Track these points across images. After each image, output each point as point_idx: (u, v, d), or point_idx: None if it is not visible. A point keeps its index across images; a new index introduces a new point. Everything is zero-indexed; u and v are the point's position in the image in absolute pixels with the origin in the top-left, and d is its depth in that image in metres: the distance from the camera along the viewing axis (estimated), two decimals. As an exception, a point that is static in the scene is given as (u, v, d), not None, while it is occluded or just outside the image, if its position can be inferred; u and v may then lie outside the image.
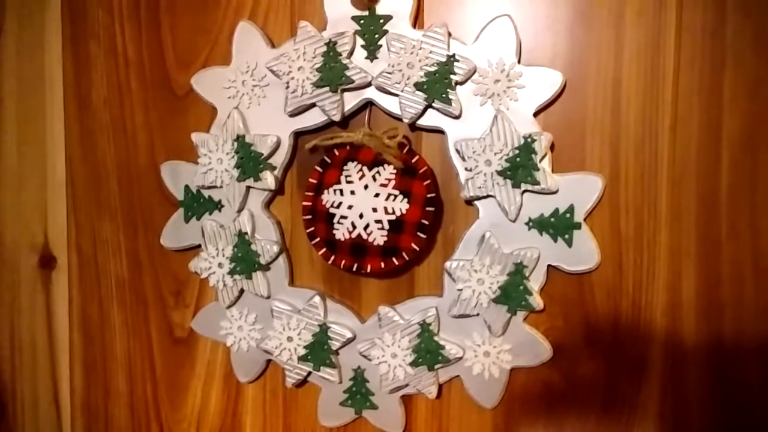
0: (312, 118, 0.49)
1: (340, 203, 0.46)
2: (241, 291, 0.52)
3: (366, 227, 0.46)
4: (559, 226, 0.44)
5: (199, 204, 0.53)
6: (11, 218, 0.62)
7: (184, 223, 0.54)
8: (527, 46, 0.45)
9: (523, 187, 0.44)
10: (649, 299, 0.45)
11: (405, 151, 0.47)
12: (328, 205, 0.47)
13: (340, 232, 0.46)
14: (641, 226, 0.44)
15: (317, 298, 0.50)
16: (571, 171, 0.45)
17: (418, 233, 0.45)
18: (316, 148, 0.48)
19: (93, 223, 0.59)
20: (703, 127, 0.43)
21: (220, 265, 0.52)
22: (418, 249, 0.46)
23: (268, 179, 0.50)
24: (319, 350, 0.50)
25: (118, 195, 0.58)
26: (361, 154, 0.47)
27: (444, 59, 0.45)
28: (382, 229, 0.45)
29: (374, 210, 0.45)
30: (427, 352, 0.47)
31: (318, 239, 0.48)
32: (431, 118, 0.46)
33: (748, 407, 0.44)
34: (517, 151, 0.44)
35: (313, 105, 0.48)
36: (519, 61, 0.44)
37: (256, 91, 0.50)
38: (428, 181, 0.46)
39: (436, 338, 0.47)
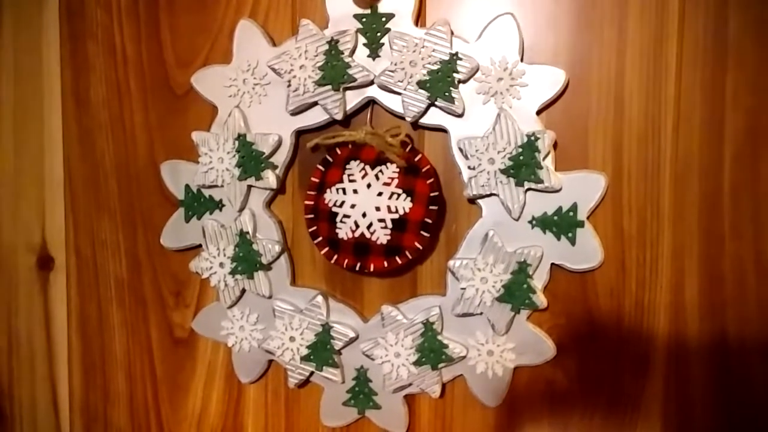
0: (314, 117, 0.49)
1: (343, 202, 0.46)
2: (243, 291, 0.52)
3: (369, 226, 0.46)
4: (562, 224, 0.44)
5: (199, 203, 0.53)
6: (8, 218, 0.62)
7: (184, 222, 0.53)
8: (530, 44, 0.45)
9: (527, 185, 0.44)
10: (652, 297, 0.45)
11: (408, 149, 0.47)
12: (330, 204, 0.47)
13: (343, 231, 0.46)
14: (644, 224, 0.45)
15: (320, 298, 0.50)
16: (574, 169, 0.45)
17: (422, 232, 0.45)
18: (318, 147, 0.48)
19: (92, 223, 0.59)
20: (706, 125, 0.43)
21: (221, 265, 0.51)
22: (421, 248, 0.46)
23: (270, 178, 0.49)
24: (322, 350, 0.50)
25: (117, 195, 0.58)
26: (363, 152, 0.47)
27: (447, 57, 0.44)
28: (385, 228, 0.45)
29: (377, 209, 0.45)
30: (431, 351, 0.47)
31: (320, 238, 0.48)
32: (434, 117, 0.46)
33: (751, 405, 0.44)
34: (520, 150, 0.44)
35: (315, 103, 0.48)
36: (522, 59, 0.44)
37: (257, 90, 0.50)
38: (431, 180, 0.46)
39: (439, 337, 0.47)
